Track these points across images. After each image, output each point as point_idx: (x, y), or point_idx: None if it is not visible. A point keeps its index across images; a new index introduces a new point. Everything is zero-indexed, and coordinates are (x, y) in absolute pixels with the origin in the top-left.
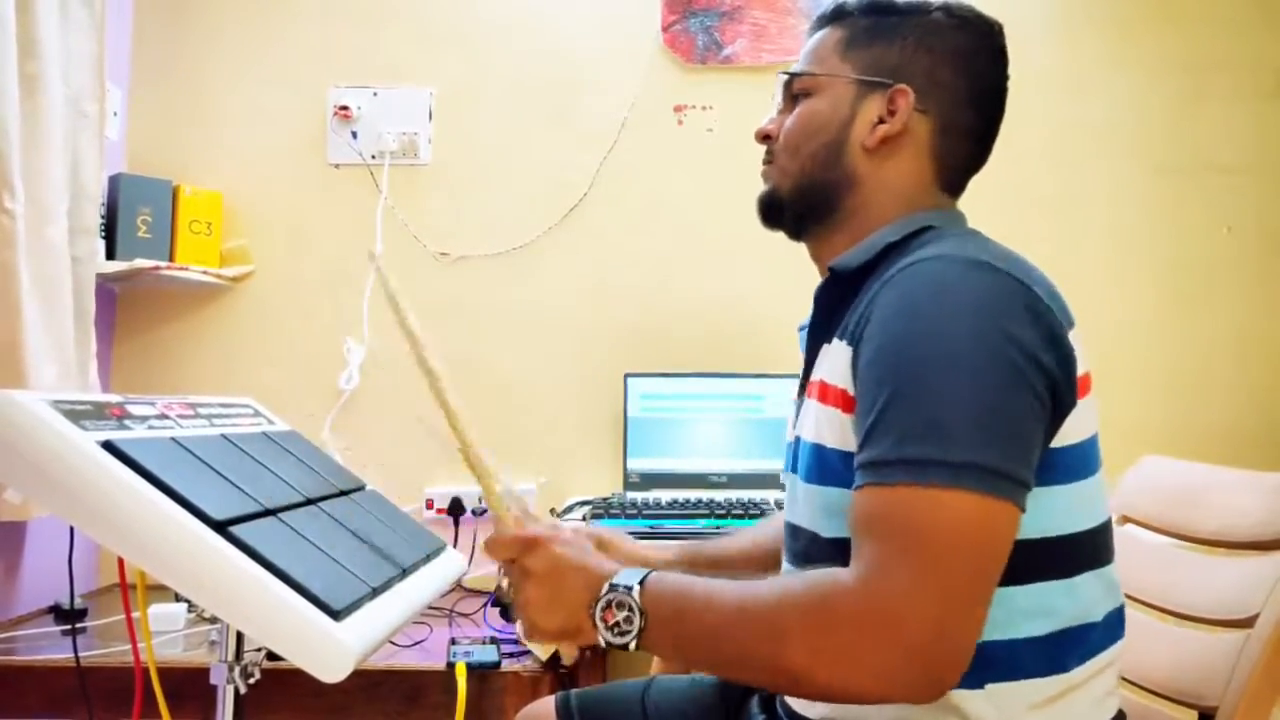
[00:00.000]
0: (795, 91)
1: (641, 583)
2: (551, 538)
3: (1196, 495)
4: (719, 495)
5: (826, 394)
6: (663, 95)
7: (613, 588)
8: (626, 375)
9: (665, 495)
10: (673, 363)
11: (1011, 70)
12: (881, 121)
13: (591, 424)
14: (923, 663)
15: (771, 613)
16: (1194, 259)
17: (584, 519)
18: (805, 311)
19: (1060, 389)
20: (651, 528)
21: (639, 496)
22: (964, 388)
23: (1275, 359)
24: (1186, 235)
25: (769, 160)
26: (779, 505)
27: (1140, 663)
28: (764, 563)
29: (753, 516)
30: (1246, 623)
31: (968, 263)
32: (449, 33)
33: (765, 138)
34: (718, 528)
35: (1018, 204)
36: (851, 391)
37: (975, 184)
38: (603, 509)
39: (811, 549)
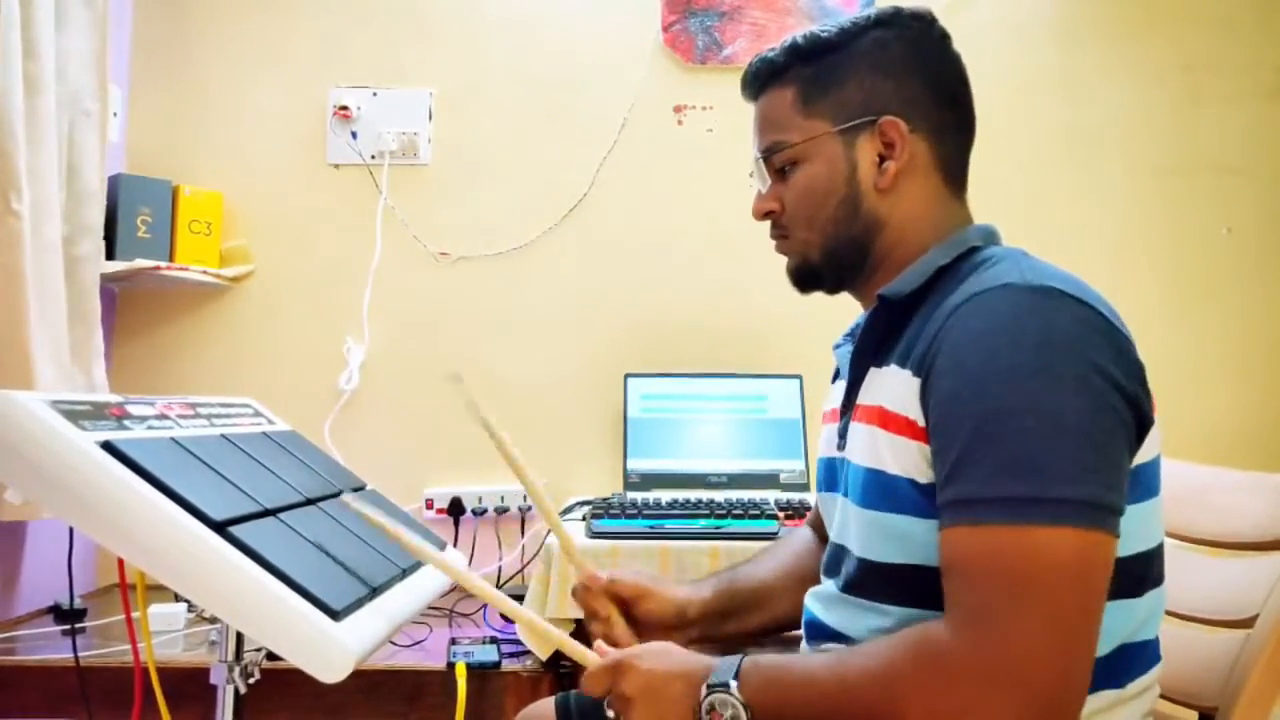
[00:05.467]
0: (779, 166)
1: (738, 675)
2: (636, 654)
3: (1197, 496)
4: (719, 495)
5: (888, 420)
6: (663, 95)
7: (711, 688)
8: (626, 375)
9: (665, 495)
10: (673, 363)
11: (1011, 74)
12: (883, 159)
13: (591, 424)
14: (1049, 708)
15: (879, 681)
16: (1194, 259)
17: (584, 519)
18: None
19: (1142, 408)
20: (651, 528)
21: (639, 497)
22: (1053, 420)
23: (1275, 359)
24: (1186, 236)
25: (782, 235)
26: (779, 506)
27: None
28: (804, 581)
29: (752, 517)
30: (1246, 623)
31: (1035, 290)
32: (449, 33)
33: (767, 215)
34: (717, 528)
35: (1017, 206)
36: (920, 422)
37: (974, 186)
38: (603, 509)
39: (862, 572)
